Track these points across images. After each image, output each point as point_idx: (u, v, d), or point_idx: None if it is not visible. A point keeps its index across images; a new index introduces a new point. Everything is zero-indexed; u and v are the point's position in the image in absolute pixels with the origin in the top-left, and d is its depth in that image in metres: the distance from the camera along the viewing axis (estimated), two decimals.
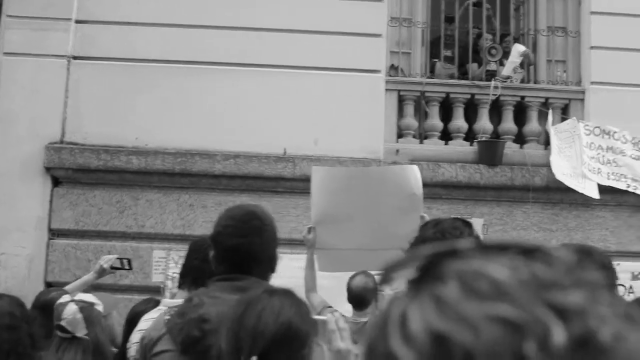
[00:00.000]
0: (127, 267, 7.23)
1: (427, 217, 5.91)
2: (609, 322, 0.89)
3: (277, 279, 3.67)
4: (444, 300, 0.90)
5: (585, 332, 0.87)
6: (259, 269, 3.58)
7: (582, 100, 10.48)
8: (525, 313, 0.87)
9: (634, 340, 0.89)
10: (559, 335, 0.86)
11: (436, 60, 10.85)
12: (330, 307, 5.99)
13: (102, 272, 6.89)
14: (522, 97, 10.50)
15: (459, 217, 4.31)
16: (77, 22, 9.96)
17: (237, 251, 3.56)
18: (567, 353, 0.85)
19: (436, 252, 0.96)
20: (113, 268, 6.98)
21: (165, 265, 8.10)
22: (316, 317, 3.07)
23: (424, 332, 0.88)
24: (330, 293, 6.57)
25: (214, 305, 3.38)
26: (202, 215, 9.67)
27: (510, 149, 10.25)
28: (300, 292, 5.96)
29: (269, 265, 3.64)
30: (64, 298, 5.14)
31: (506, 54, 10.50)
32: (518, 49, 10.37)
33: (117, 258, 7.04)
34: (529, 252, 0.94)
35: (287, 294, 2.94)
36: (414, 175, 6.31)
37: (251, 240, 3.56)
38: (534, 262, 0.93)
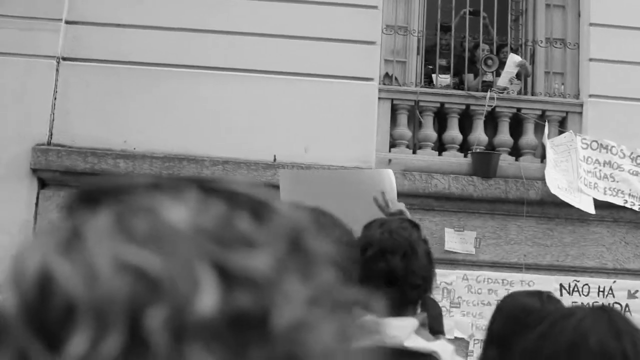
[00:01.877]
0: None
1: None
2: (294, 304, 0.69)
3: None
4: (78, 233, 0.69)
5: (251, 308, 0.66)
6: None
7: (580, 113, 10.29)
8: (172, 267, 0.66)
9: (320, 333, 0.69)
10: (206, 301, 0.65)
11: (432, 67, 10.67)
12: None
13: None
14: (519, 109, 10.32)
15: (406, 218, 4.11)
16: (67, 22, 9.84)
17: None
18: (216, 328, 0.65)
19: (115, 184, 0.75)
20: None
21: None
22: None
23: (35, 270, 0.68)
24: None
25: None
26: None
27: (505, 161, 10.06)
28: None
29: None
30: None
31: (503, 65, 10.31)
32: (514, 59, 10.21)
33: None
34: (246, 202, 0.73)
35: None
36: (389, 179, 6.14)
37: None
38: (239, 210, 0.72)
